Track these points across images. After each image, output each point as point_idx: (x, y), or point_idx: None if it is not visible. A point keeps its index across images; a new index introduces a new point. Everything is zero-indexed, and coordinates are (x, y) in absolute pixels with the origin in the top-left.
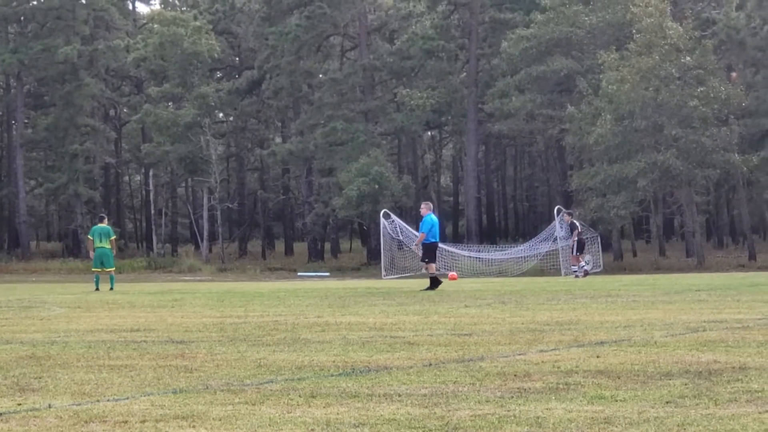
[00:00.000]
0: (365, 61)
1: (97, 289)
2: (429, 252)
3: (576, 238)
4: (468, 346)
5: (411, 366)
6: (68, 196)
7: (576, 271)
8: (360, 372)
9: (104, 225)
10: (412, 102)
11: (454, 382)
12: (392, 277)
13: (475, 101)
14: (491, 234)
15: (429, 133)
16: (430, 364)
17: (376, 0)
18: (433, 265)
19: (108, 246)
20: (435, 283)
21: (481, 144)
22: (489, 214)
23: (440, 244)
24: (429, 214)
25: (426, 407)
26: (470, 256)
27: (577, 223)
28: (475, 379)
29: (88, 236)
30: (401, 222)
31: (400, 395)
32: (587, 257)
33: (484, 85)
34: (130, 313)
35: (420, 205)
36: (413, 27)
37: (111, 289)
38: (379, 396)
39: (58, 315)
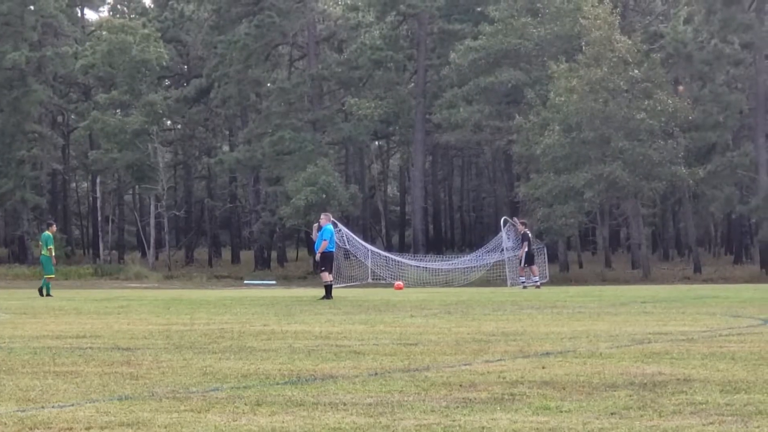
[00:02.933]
0: (313, 71)
1: (49, 294)
2: (326, 261)
3: (526, 249)
4: (414, 355)
5: (356, 375)
6: (15, 202)
7: (524, 282)
8: (305, 380)
9: (45, 232)
10: (359, 112)
11: (400, 392)
12: (339, 286)
13: (423, 112)
14: (438, 244)
15: (376, 143)
16: (376, 374)
17: (325, 10)
18: (327, 274)
19: (44, 253)
20: (329, 291)
21: (428, 154)
22: (436, 224)
23: (387, 254)
24: (328, 224)
25: (371, 416)
26: (417, 266)
27: (530, 234)
28: (421, 389)
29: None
30: (348, 231)
31: (345, 404)
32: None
33: (432, 96)
34: (76, 320)
35: (320, 217)
36: (362, 37)
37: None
38: (325, 404)
39: (3, 321)
